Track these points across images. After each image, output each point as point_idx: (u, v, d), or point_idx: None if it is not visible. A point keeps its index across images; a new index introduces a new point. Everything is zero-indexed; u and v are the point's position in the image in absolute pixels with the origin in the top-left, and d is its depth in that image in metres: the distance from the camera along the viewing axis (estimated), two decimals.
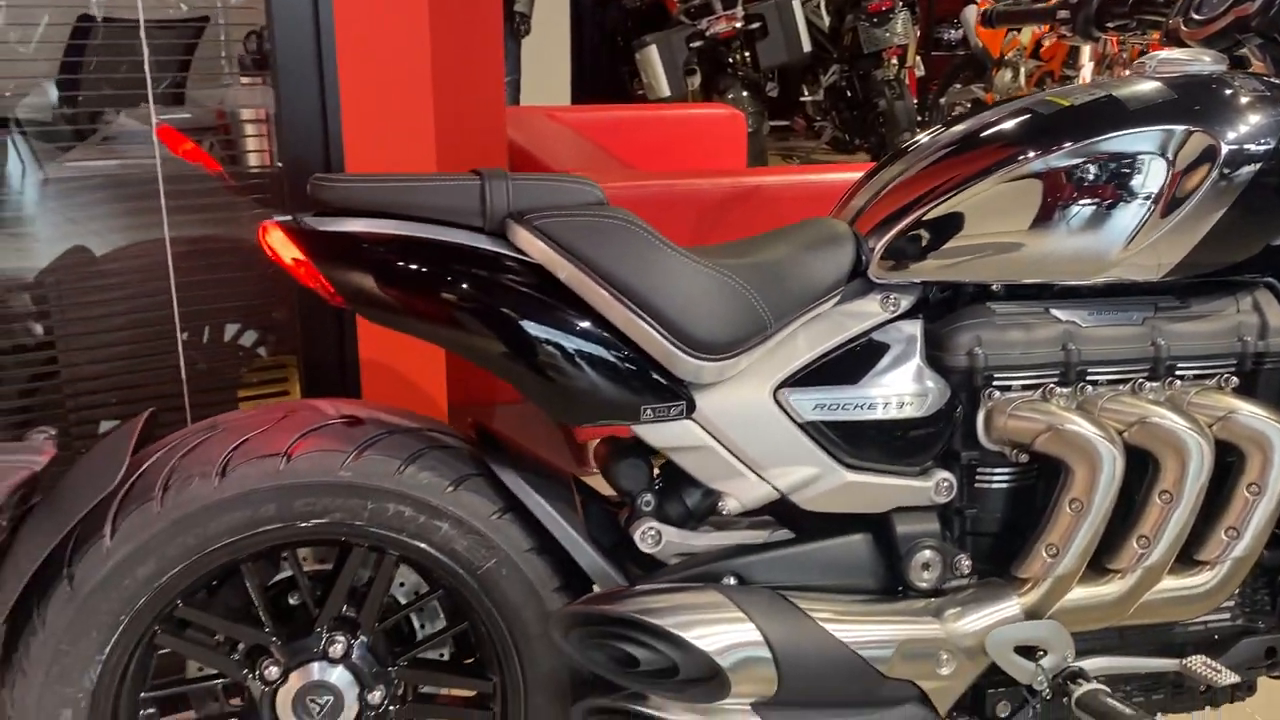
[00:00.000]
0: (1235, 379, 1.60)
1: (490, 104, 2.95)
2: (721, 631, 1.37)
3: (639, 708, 1.41)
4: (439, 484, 1.44)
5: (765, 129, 6.77)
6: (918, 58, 7.83)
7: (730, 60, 6.46)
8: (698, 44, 6.23)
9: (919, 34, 8.24)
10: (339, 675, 1.50)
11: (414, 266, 1.36)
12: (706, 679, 1.38)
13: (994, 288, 1.58)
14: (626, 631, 1.38)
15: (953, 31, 9.11)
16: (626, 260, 1.37)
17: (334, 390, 2.06)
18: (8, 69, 2.12)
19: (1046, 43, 7.36)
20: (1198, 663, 1.58)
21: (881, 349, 1.53)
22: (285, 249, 1.36)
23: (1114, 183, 1.48)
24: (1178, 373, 1.58)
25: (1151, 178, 1.47)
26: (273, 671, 1.47)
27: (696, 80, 6.26)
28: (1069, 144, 1.47)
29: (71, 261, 2.07)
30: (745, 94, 6.36)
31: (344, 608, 1.51)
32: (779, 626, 1.39)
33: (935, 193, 1.51)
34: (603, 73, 7.86)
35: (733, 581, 1.49)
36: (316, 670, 1.49)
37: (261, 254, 1.39)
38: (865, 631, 1.44)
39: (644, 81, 6.20)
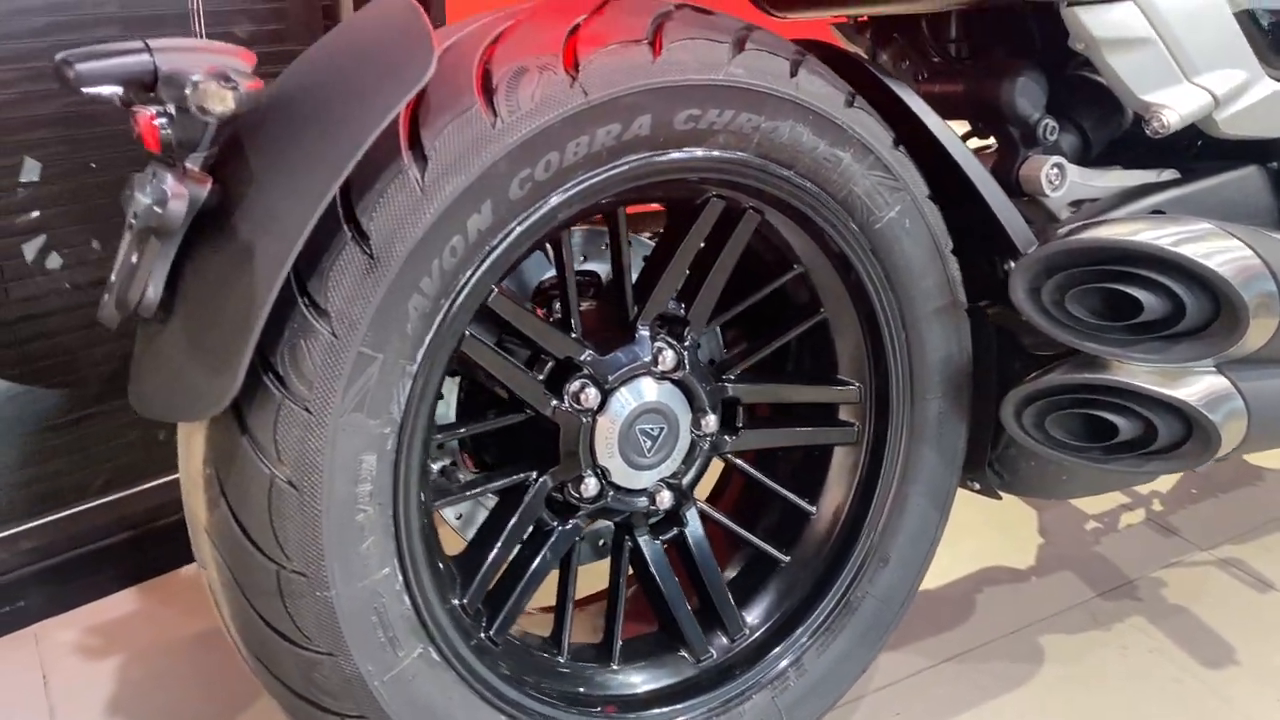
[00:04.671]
0: None
1: None
2: (1231, 258, 1.04)
3: (1098, 376, 1.07)
4: (835, 95, 1.00)
5: None
6: None
7: None
8: None
9: None
10: (670, 394, 1.05)
11: None
12: (1208, 322, 1.05)
13: None
14: (1126, 268, 1.02)
15: None
16: None
17: None
18: None
19: None
20: None
21: None
22: None
23: None
24: None
25: None
26: (590, 395, 1.01)
27: None
28: None
29: None
30: None
31: (672, 299, 1.06)
32: (1275, 252, 1.08)
33: None
34: None
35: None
36: (643, 389, 1.04)
37: None
38: None
39: None
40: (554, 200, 0.88)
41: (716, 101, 0.93)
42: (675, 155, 0.93)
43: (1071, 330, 1.05)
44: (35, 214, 1.41)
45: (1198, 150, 1.29)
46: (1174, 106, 1.14)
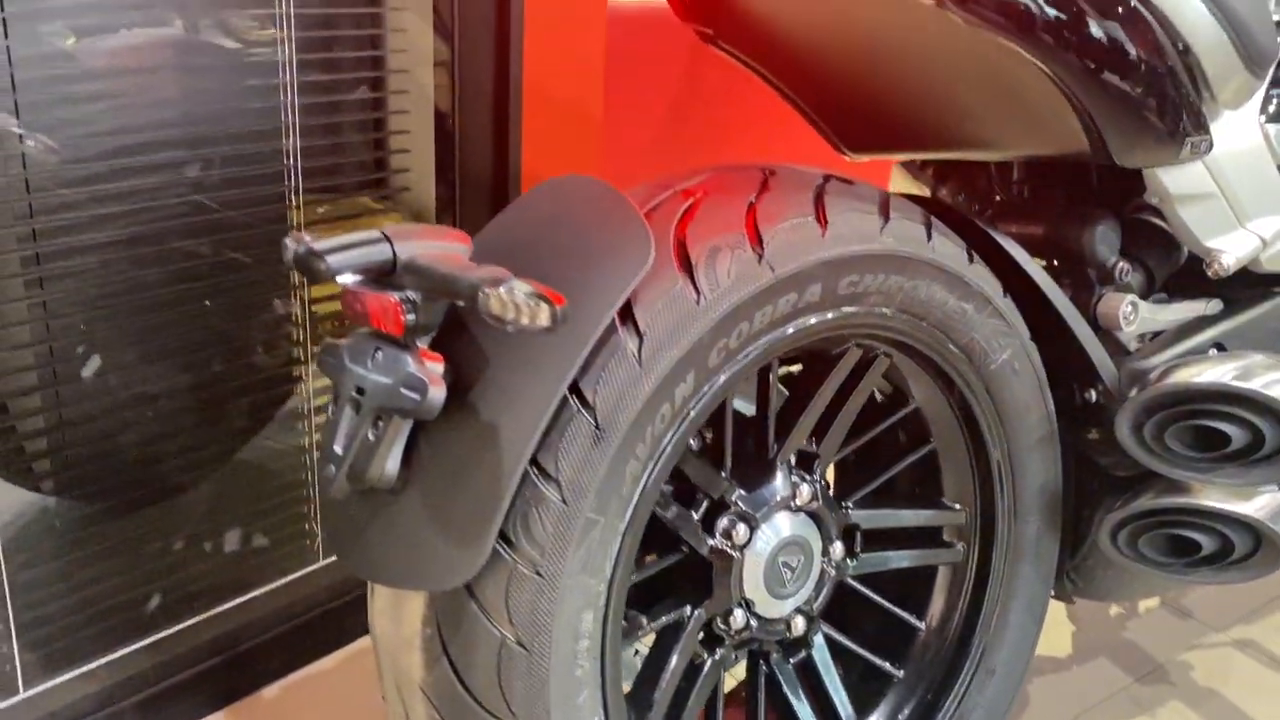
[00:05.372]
0: None
1: None
2: None
3: (1184, 500, 1.18)
4: (960, 254, 1.10)
5: None
6: None
7: None
8: None
9: None
10: (804, 525, 1.13)
11: None
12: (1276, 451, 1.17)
13: None
14: (1217, 406, 1.14)
15: None
16: None
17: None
18: None
19: None
20: None
21: None
22: None
23: None
24: None
25: None
26: (740, 531, 1.07)
27: None
28: None
29: None
30: None
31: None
32: None
33: None
34: None
35: (1213, 354, 1.30)
36: (785, 523, 1.11)
37: None
38: None
39: None
40: (740, 363, 0.96)
41: (872, 268, 1.02)
42: (834, 314, 1.02)
43: (1167, 461, 1.15)
44: (85, 328, 1.42)
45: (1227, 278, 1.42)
46: (1231, 251, 1.27)
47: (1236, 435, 1.14)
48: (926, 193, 1.48)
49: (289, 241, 0.91)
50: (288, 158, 1.43)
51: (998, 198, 1.39)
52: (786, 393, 1.16)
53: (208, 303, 1.44)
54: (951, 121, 1.23)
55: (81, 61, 1.34)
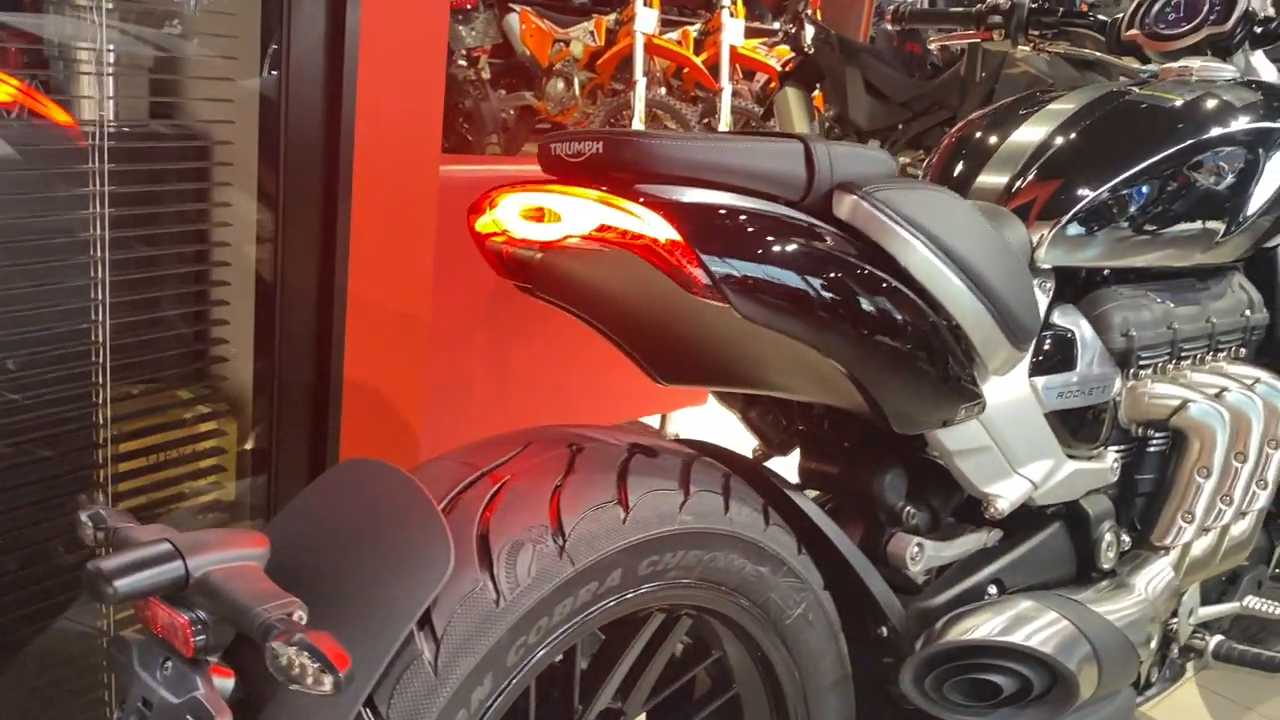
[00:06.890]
0: (1243, 349, 1.82)
1: None
2: (1062, 638, 1.27)
3: None
4: (758, 520, 1.16)
5: None
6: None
7: None
8: None
9: None
10: None
11: (778, 246, 1.08)
12: (1049, 689, 1.27)
13: (1105, 272, 1.64)
14: (988, 660, 1.22)
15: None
16: (964, 236, 1.21)
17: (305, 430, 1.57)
18: None
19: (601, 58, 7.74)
20: (1254, 602, 1.78)
21: (1068, 332, 1.51)
22: (637, 223, 1.00)
23: (1244, 171, 1.60)
24: (1218, 346, 1.76)
25: (1271, 166, 1.62)
26: None
27: None
28: (1230, 131, 1.57)
29: None
30: None
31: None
32: (1087, 622, 1.32)
33: (1102, 177, 1.52)
34: None
35: (993, 590, 1.39)
36: None
37: None
38: (1126, 614, 1.42)
39: None
40: (539, 654, 0.97)
41: (672, 547, 1.06)
42: (634, 593, 1.05)
43: (948, 710, 1.23)
44: None
45: None
46: (1006, 495, 1.38)
47: (1006, 684, 1.23)
48: None
49: (84, 517, 0.89)
50: (96, 351, 1.39)
51: (800, 427, 1.46)
52: (603, 636, 1.18)
53: None
54: (753, 368, 1.30)
55: None
